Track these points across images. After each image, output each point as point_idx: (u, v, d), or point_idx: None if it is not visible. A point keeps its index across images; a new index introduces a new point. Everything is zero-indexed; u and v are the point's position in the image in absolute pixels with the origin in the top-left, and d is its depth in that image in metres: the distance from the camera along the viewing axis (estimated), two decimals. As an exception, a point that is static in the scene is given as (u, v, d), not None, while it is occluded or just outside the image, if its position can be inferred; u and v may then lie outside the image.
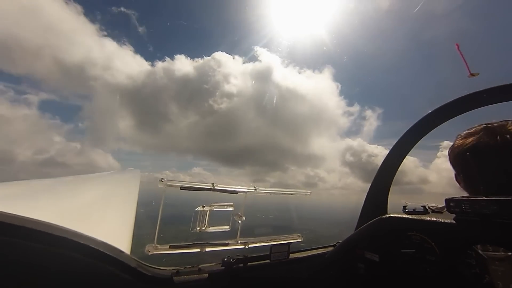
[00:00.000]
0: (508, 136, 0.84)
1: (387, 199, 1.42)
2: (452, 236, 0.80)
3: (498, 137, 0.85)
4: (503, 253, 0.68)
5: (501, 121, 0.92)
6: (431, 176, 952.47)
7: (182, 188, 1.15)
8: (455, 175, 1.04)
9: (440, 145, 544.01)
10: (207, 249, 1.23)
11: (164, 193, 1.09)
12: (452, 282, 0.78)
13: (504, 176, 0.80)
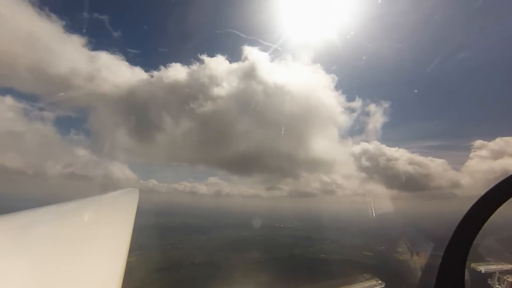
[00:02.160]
0: None
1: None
2: None
3: None
4: None
5: None
6: (464, 180, 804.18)
7: None
8: None
9: (472, 145, 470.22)
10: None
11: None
12: None
13: None
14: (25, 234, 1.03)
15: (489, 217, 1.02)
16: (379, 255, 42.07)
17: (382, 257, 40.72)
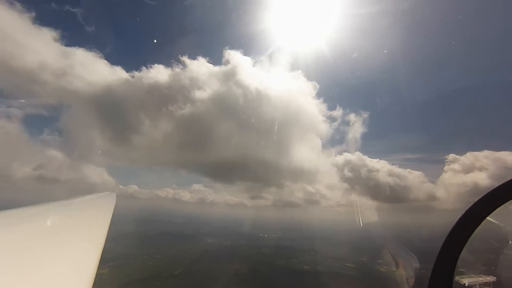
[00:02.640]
0: None
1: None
2: None
3: None
4: None
5: None
6: (439, 192, 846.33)
7: None
8: None
9: (445, 158, 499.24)
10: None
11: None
12: None
13: None
14: None
15: (474, 230, 1.02)
16: (361, 266, 42.62)
17: (363, 268, 41.24)
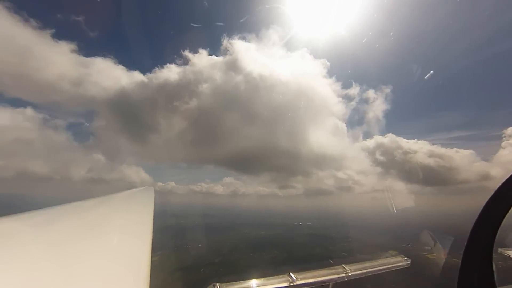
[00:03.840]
0: None
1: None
2: None
3: None
4: None
5: None
6: (495, 171, 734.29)
7: None
8: None
9: (503, 133, 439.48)
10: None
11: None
12: None
13: None
14: (49, 230, 1.02)
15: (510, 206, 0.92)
16: (405, 253, 39.70)
17: (408, 255, 38.10)
